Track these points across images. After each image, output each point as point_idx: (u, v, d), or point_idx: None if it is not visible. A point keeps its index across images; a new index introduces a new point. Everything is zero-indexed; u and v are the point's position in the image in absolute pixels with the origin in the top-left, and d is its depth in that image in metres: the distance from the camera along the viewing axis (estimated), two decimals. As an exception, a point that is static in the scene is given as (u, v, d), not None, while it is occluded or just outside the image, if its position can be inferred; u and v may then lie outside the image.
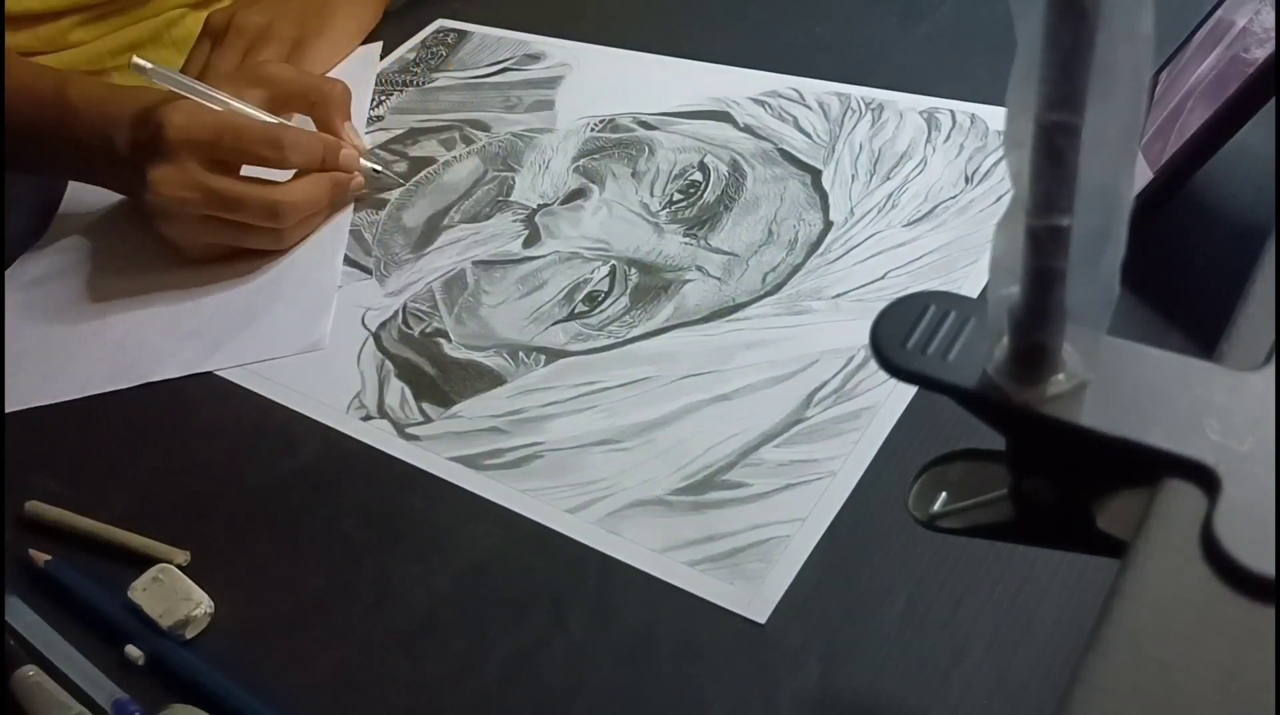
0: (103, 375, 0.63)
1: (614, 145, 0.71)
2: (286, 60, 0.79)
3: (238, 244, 0.67)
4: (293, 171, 0.68)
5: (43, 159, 0.74)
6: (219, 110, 0.66)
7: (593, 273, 0.62)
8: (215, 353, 0.63)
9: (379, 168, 0.72)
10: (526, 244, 0.66)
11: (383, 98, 0.81)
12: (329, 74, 0.83)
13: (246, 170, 0.67)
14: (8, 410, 0.62)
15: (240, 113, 0.67)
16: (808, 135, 0.68)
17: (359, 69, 0.84)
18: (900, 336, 0.29)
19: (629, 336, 0.58)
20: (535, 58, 0.81)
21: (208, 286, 0.68)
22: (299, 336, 0.63)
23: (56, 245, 0.74)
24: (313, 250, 0.69)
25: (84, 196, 0.77)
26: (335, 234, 0.70)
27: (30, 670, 0.48)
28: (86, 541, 0.54)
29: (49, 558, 0.53)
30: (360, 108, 0.80)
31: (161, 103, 0.66)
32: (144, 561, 0.51)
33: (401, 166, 0.74)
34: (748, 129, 0.70)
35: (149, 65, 0.66)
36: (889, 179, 0.64)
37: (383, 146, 0.77)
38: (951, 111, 0.67)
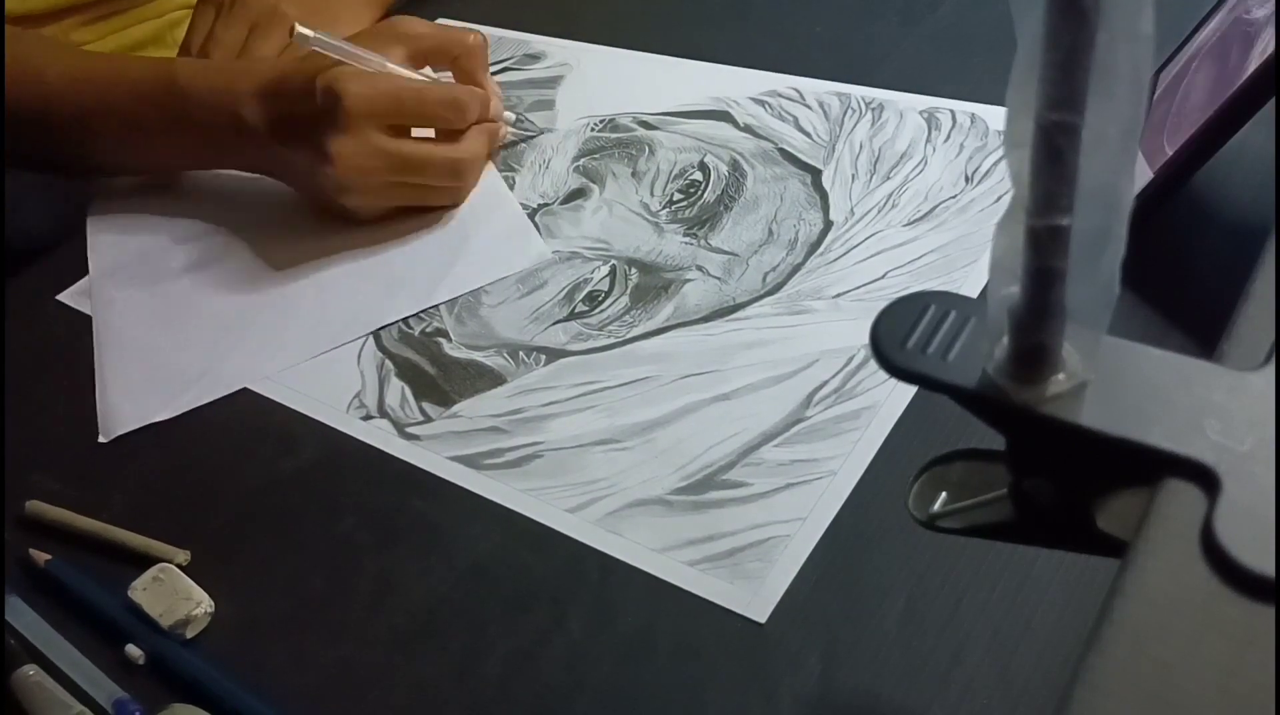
0: (327, 333, 0.62)
1: (614, 145, 0.71)
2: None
3: (422, 203, 0.67)
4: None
5: (149, 152, 0.72)
6: (387, 74, 0.65)
7: (593, 272, 0.62)
8: (436, 289, 0.63)
9: (516, 116, 0.74)
10: (527, 244, 0.66)
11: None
12: None
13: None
14: (234, 389, 0.60)
15: (397, 74, 0.66)
16: (808, 135, 0.68)
17: None
18: (900, 336, 0.29)
19: (629, 336, 0.58)
20: (535, 57, 0.81)
21: (382, 243, 0.67)
22: (517, 255, 0.64)
23: (138, 233, 0.72)
24: (477, 192, 0.70)
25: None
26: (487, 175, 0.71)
27: (31, 670, 0.48)
28: (87, 541, 0.54)
29: (49, 557, 0.53)
30: None
31: (309, 70, 0.64)
32: (144, 561, 0.51)
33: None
34: (748, 129, 0.70)
35: (311, 34, 0.63)
36: (889, 179, 0.64)
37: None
38: (951, 111, 0.67)
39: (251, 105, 0.65)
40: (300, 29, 0.63)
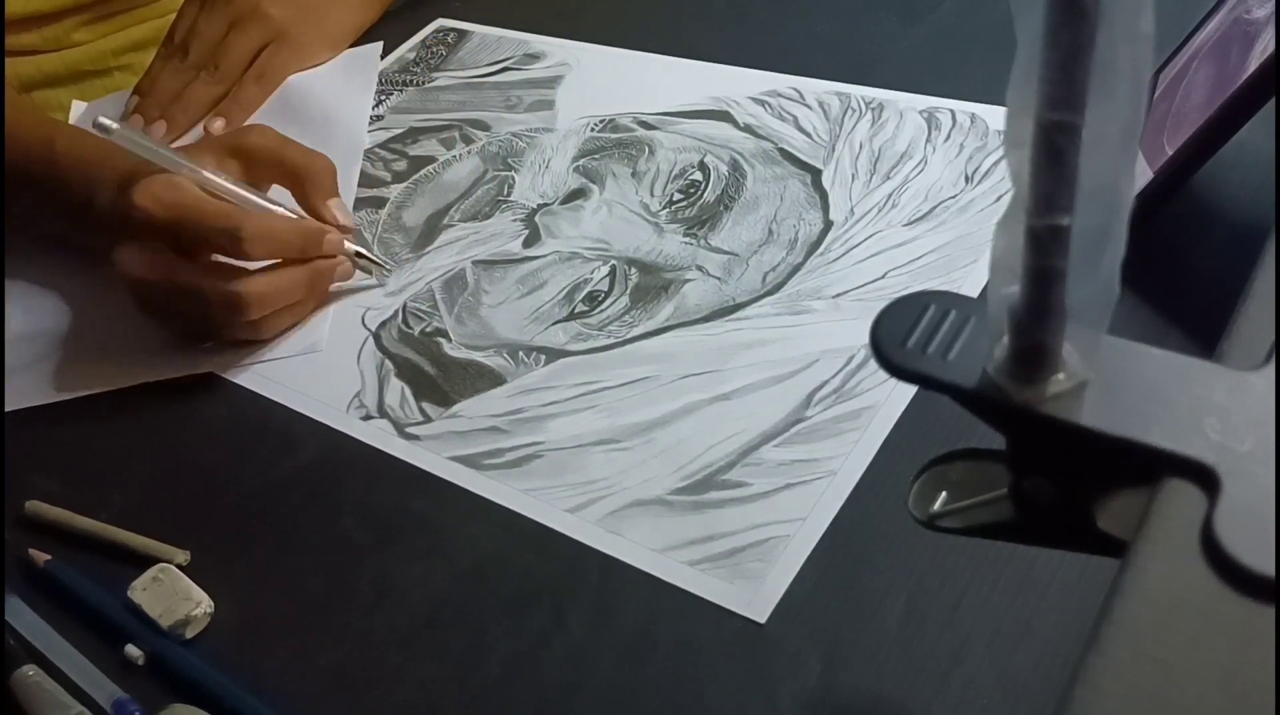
0: (105, 376, 0.63)
1: (614, 145, 0.71)
2: (270, 48, 0.79)
3: (212, 334, 0.62)
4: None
5: (28, 216, 0.70)
6: (189, 188, 0.60)
7: (593, 272, 0.62)
8: (215, 356, 0.62)
9: (366, 252, 0.65)
10: (526, 244, 0.66)
11: (383, 97, 0.81)
12: (325, 67, 0.83)
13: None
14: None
15: (215, 185, 0.61)
16: (808, 135, 0.68)
17: (360, 69, 0.84)
18: (900, 336, 0.29)
19: (629, 336, 0.58)
20: (535, 57, 0.81)
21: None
22: (297, 340, 0.63)
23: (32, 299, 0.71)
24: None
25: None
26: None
27: (30, 670, 0.48)
28: (87, 541, 0.54)
29: (48, 557, 0.53)
30: (362, 109, 0.80)
31: (138, 174, 0.61)
32: (144, 561, 0.51)
33: (401, 165, 0.74)
34: (748, 128, 0.70)
35: (114, 126, 0.60)
36: (889, 178, 0.64)
37: (383, 146, 0.76)
38: (951, 111, 0.67)
39: (105, 191, 0.63)
40: (101, 119, 0.60)
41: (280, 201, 0.64)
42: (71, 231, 0.68)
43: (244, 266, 0.60)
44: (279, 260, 0.61)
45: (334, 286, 0.65)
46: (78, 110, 0.83)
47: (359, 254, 0.65)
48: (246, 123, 0.78)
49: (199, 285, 0.60)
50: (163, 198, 0.59)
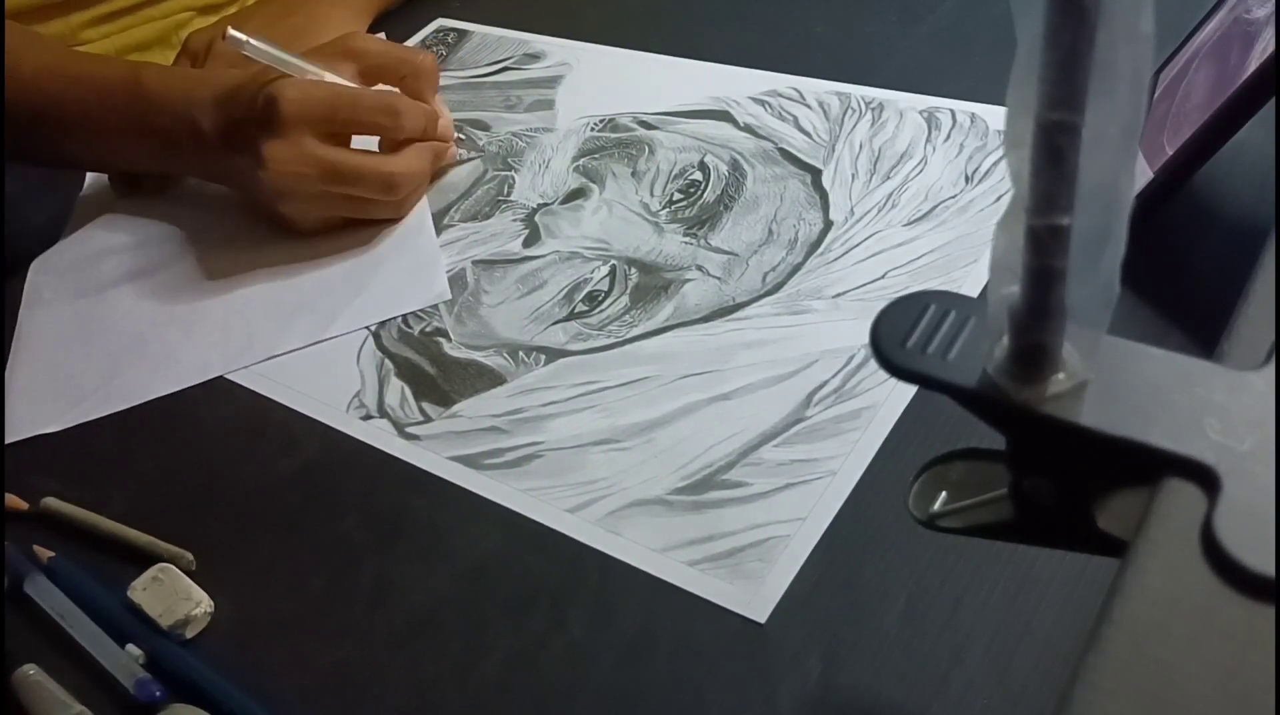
0: (219, 358, 0.62)
1: (614, 145, 0.71)
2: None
3: (356, 216, 0.67)
4: (377, 142, 0.68)
5: (113, 152, 0.72)
6: (327, 82, 0.65)
7: (593, 272, 0.62)
8: (334, 321, 0.63)
9: (464, 137, 0.73)
10: (526, 244, 0.66)
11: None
12: None
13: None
14: (130, 405, 0.61)
15: (337, 83, 0.66)
16: (808, 134, 0.68)
17: None
18: (900, 336, 0.29)
19: (629, 336, 0.58)
20: (535, 57, 0.81)
21: (300, 263, 0.67)
22: (419, 292, 0.64)
23: (114, 229, 0.74)
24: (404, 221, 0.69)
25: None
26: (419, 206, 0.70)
27: (31, 669, 0.48)
28: (99, 539, 0.54)
29: (52, 555, 0.53)
30: None
31: (262, 80, 0.64)
32: (145, 560, 0.51)
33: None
34: (748, 128, 0.70)
35: (244, 38, 0.63)
36: (889, 178, 0.64)
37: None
38: (951, 111, 0.67)
39: (206, 112, 0.66)
40: (232, 32, 0.64)
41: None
42: (174, 161, 0.71)
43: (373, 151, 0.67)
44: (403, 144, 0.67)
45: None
46: None
47: (459, 139, 0.73)
48: None
49: (359, 166, 0.65)
50: (310, 90, 0.64)
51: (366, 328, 0.63)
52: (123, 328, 0.66)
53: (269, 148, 0.63)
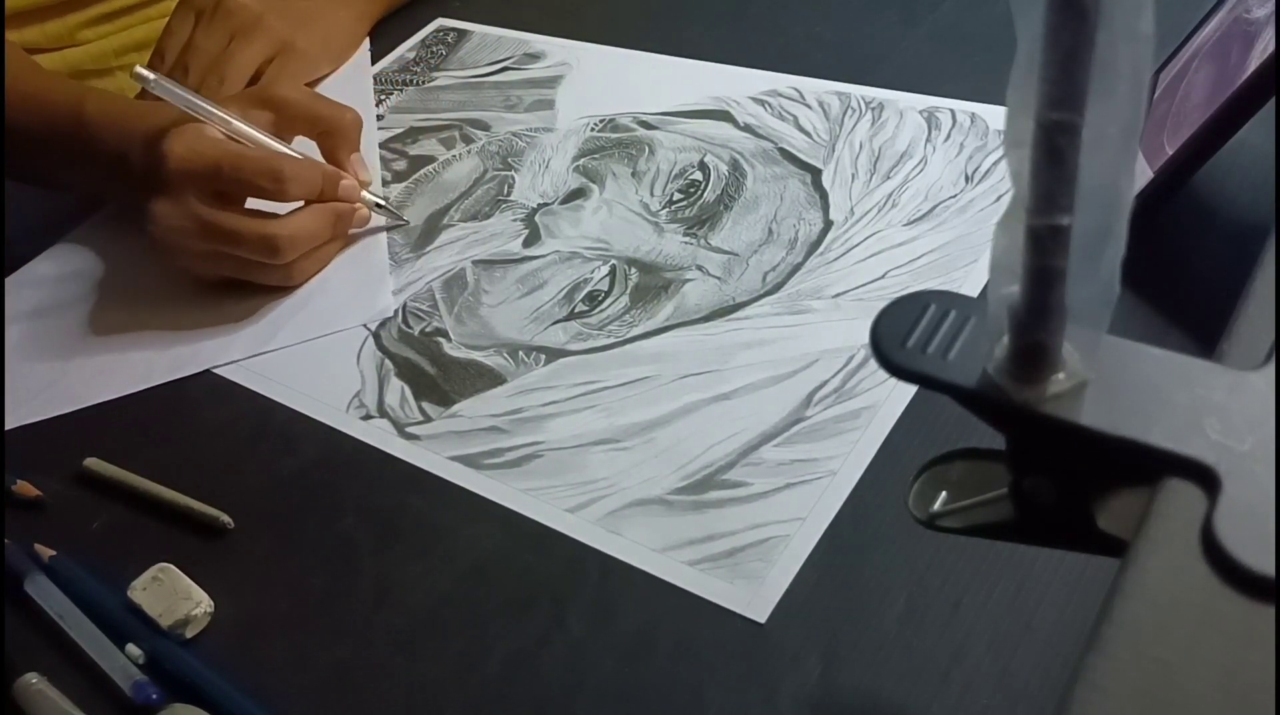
0: (163, 365, 0.63)
1: (614, 145, 0.71)
2: (275, 61, 0.78)
3: (245, 277, 0.65)
4: (297, 204, 0.65)
5: (55, 174, 0.73)
6: (220, 139, 0.63)
7: (593, 272, 0.62)
8: (276, 334, 0.63)
9: (382, 202, 0.69)
10: (526, 243, 0.66)
11: (383, 97, 0.81)
12: (321, 87, 0.83)
13: (255, 202, 0.64)
14: (67, 410, 0.62)
15: (244, 135, 0.64)
16: (808, 134, 0.68)
17: (353, 72, 0.84)
18: (900, 336, 0.29)
19: (629, 336, 0.58)
20: (535, 57, 0.81)
21: (245, 294, 0.66)
22: (363, 307, 0.64)
23: (84, 240, 0.74)
24: (354, 236, 0.69)
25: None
26: (373, 228, 0.70)
27: (33, 678, 0.48)
28: (142, 502, 0.55)
29: (53, 553, 0.53)
30: (366, 109, 0.80)
31: (169, 127, 0.63)
32: (147, 559, 0.51)
33: (401, 165, 0.74)
34: (748, 128, 0.70)
35: (151, 76, 0.63)
36: (889, 178, 0.64)
37: (383, 145, 0.76)
38: (951, 110, 0.67)
39: (137, 147, 0.65)
40: (139, 70, 0.63)
41: (302, 152, 0.67)
42: (105, 188, 0.71)
43: (273, 213, 0.64)
44: (303, 205, 0.65)
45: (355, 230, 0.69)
46: None
47: (378, 205, 0.69)
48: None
49: (237, 227, 0.62)
50: (198, 147, 0.62)
51: (365, 327, 0.63)
52: (70, 337, 0.67)
53: (154, 203, 0.62)
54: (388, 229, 0.69)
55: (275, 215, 0.64)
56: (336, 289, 0.66)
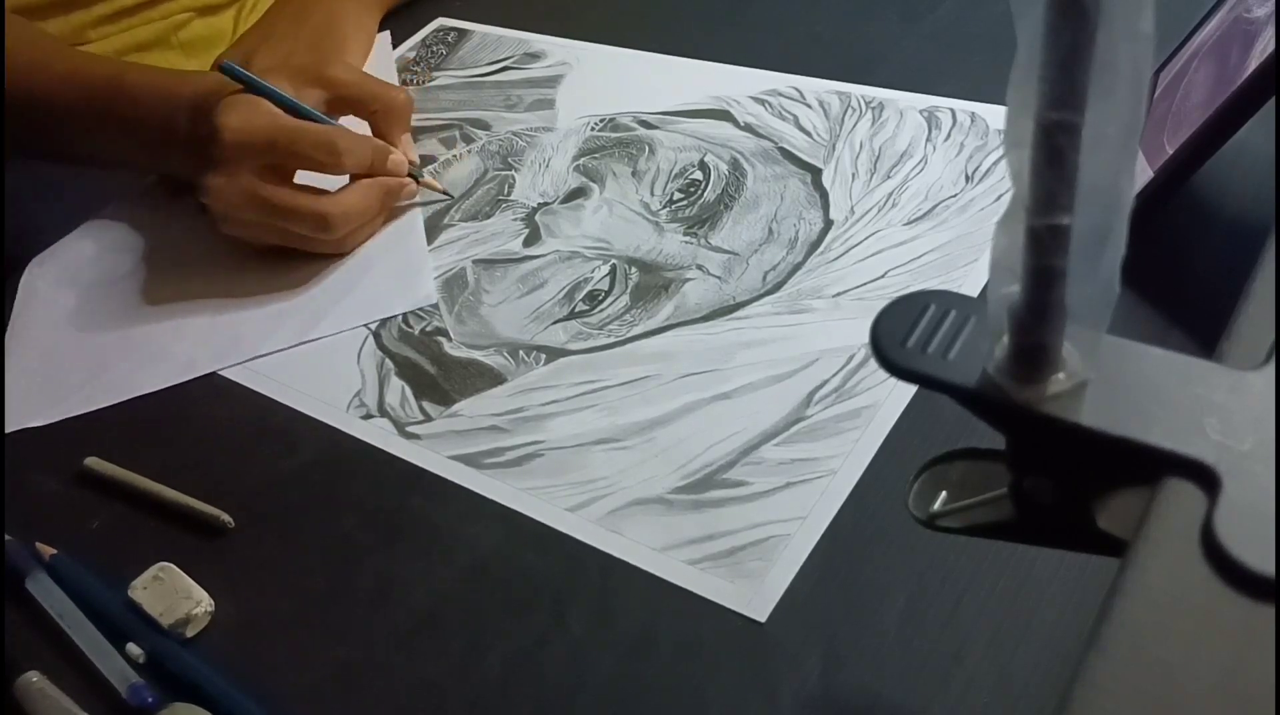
0: (206, 356, 0.63)
1: (614, 144, 0.71)
2: None
3: (302, 248, 0.66)
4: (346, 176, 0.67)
5: (99, 150, 0.73)
6: (274, 111, 0.64)
7: (593, 272, 0.62)
8: (319, 322, 0.63)
9: (426, 177, 0.70)
10: (527, 243, 0.66)
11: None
12: None
13: (303, 176, 0.65)
14: (117, 400, 0.62)
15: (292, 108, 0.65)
16: (808, 134, 0.68)
17: (377, 58, 0.84)
18: (900, 335, 0.29)
19: (629, 335, 0.58)
20: (535, 56, 0.81)
21: (292, 265, 0.67)
22: (406, 294, 0.64)
23: (113, 228, 0.74)
24: (391, 221, 0.69)
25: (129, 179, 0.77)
26: (408, 207, 0.70)
27: (34, 676, 0.48)
28: (142, 500, 0.55)
29: (54, 551, 0.53)
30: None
31: (216, 93, 0.64)
32: (147, 558, 0.51)
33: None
34: (748, 128, 0.70)
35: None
36: (889, 178, 0.64)
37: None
38: (952, 110, 0.67)
39: (183, 115, 0.66)
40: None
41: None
42: (151, 158, 0.71)
43: (323, 188, 0.65)
44: (350, 181, 0.66)
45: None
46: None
47: (421, 179, 0.70)
48: None
49: (292, 203, 0.64)
50: (254, 119, 0.63)
51: (366, 327, 0.63)
52: (111, 325, 0.67)
53: (209, 177, 0.63)
54: (427, 204, 0.70)
55: (325, 191, 0.65)
56: (378, 277, 0.66)
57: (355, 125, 0.70)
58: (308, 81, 0.67)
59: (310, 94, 0.67)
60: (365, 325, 0.63)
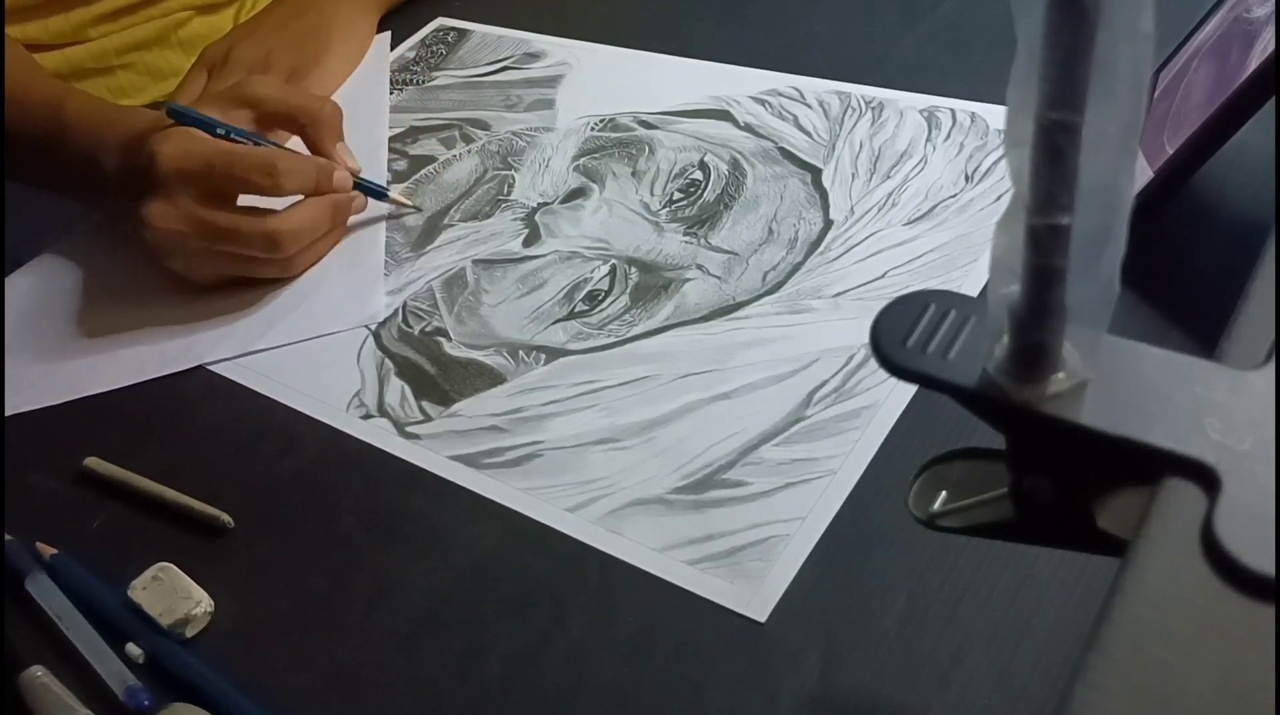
0: (157, 360, 0.63)
1: (614, 144, 0.71)
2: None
3: (244, 274, 0.65)
4: (292, 198, 0.65)
5: (35, 173, 0.73)
6: (209, 137, 0.64)
7: (593, 272, 0.62)
8: (268, 332, 0.63)
9: (387, 189, 0.70)
10: (526, 243, 0.66)
11: (383, 96, 0.82)
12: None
13: (248, 199, 0.65)
14: (63, 400, 0.62)
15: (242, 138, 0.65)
16: (808, 134, 0.68)
17: (371, 60, 0.84)
18: (900, 335, 0.29)
19: (629, 335, 0.58)
20: (535, 56, 0.81)
21: (244, 287, 0.66)
22: (354, 311, 0.64)
23: (68, 252, 0.74)
24: (353, 234, 0.69)
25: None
26: (372, 220, 0.70)
27: (38, 671, 0.48)
28: (141, 501, 0.55)
29: (54, 551, 0.53)
30: (379, 99, 0.80)
31: (148, 131, 0.64)
32: (147, 558, 0.51)
33: (401, 165, 0.74)
34: (748, 128, 0.70)
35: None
36: (889, 177, 0.64)
37: (383, 145, 0.77)
38: (952, 110, 0.67)
39: (111, 155, 0.65)
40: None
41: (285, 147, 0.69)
42: (76, 190, 0.71)
43: (270, 208, 0.64)
44: (300, 199, 0.65)
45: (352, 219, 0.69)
46: None
47: (383, 193, 0.69)
48: None
49: (236, 225, 0.63)
50: (190, 146, 0.62)
51: (366, 327, 0.63)
52: (61, 335, 0.67)
53: (147, 205, 0.62)
54: (389, 218, 0.69)
55: (272, 211, 0.64)
56: (330, 291, 0.66)
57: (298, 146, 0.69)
58: (232, 103, 0.67)
59: (237, 115, 0.66)
60: (365, 325, 0.63)
